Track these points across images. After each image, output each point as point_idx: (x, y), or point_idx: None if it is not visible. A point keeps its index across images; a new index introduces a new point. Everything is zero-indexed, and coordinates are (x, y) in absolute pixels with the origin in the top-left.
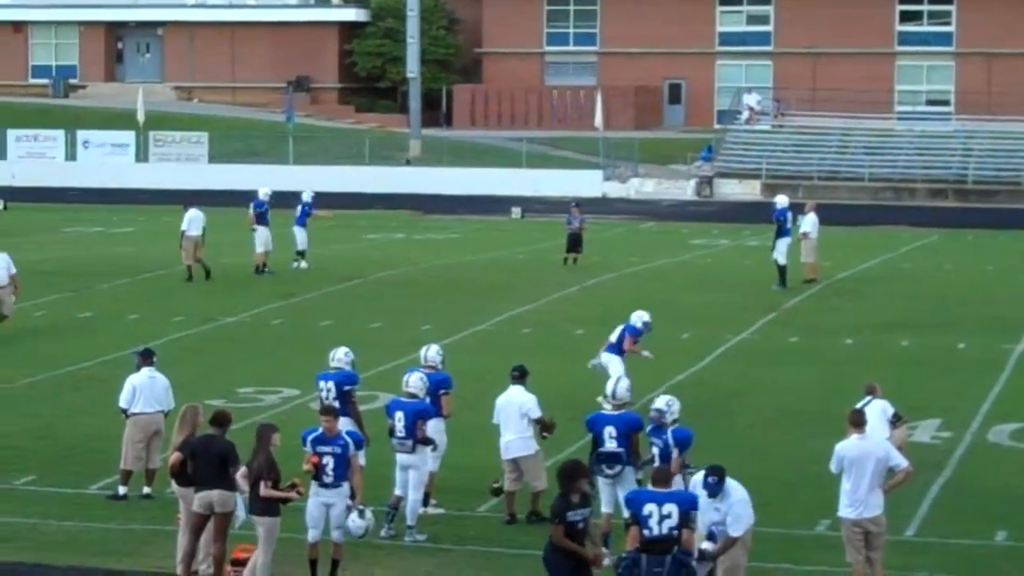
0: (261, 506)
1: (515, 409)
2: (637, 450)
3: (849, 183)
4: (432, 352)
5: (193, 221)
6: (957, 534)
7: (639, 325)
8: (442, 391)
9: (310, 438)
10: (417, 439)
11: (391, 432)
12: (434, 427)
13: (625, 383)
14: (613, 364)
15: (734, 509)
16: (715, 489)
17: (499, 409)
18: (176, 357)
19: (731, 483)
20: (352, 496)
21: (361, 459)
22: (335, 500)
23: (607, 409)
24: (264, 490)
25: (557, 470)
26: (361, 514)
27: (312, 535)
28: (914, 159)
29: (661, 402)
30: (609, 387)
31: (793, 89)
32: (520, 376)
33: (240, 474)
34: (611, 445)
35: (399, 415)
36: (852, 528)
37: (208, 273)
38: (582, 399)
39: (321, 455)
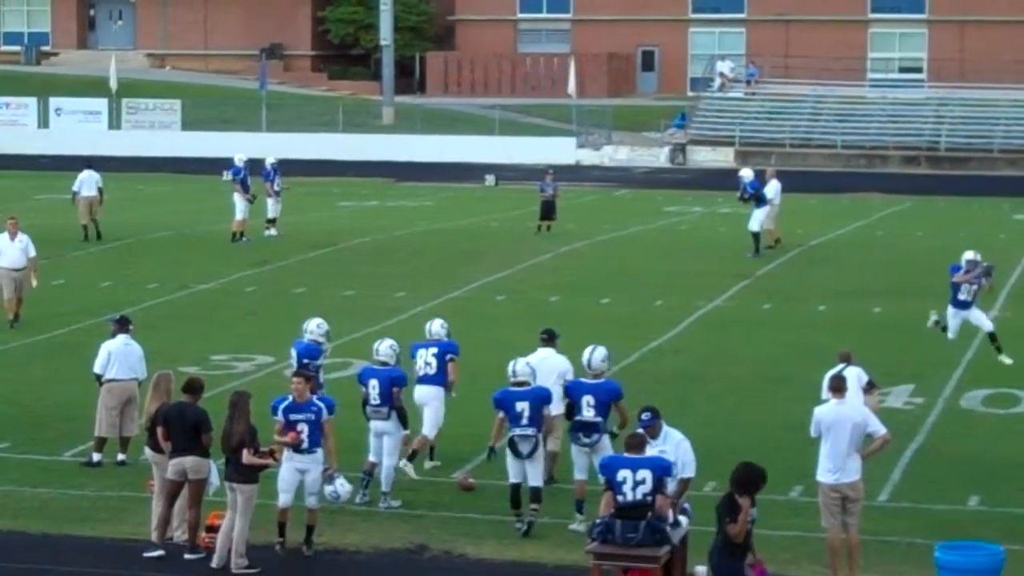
0: (242, 474)
1: (549, 372)
2: (626, 415)
3: (822, 150)
4: (436, 326)
5: (85, 182)
6: (930, 499)
7: (962, 263)
8: (448, 355)
9: (281, 407)
10: (393, 406)
11: (365, 400)
12: (435, 395)
13: (601, 353)
14: (971, 314)
15: (682, 452)
16: (649, 423)
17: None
18: (150, 324)
19: (668, 428)
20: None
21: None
22: (309, 466)
23: (585, 378)
24: (247, 457)
25: (741, 473)
26: (331, 480)
27: (283, 499)
28: (886, 126)
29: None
30: (585, 356)
31: (766, 56)
32: (549, 339)
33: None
34: (589, 414)
35: (373, 383)
36: (830, 493)
37: (99, 235)
38: None
39: (295, 423)
